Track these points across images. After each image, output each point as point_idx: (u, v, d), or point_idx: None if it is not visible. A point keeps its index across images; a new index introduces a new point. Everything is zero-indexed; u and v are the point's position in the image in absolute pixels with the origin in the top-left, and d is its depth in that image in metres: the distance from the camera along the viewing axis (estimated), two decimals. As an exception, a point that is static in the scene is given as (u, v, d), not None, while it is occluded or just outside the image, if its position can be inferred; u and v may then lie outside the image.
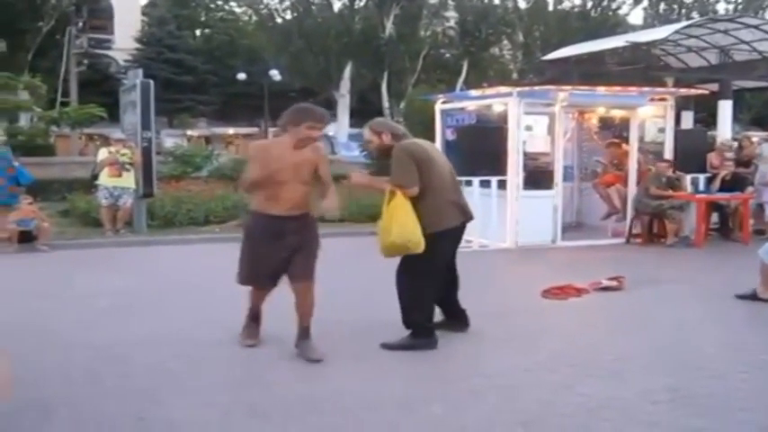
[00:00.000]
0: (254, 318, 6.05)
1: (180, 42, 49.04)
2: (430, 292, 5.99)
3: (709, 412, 4.58)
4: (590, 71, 25.03)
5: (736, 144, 14.13)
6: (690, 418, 4.48)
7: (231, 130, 48.09)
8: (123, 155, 12.73)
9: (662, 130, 12.68)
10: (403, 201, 5.68)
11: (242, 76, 41.99)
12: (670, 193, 11.82)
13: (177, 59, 47.08)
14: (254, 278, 5.76)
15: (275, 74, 38.16)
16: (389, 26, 37.15)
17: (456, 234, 6.08)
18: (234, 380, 5.17)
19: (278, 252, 5.55)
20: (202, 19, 58.31)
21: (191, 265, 10.51)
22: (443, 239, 5.89)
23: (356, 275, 8.71)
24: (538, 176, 11.83)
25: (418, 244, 5.64)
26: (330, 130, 40.65)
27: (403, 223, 5.65)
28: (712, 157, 12.96)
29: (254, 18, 45.35)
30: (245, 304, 6.01)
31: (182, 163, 20.43)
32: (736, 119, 34.04)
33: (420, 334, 5.96)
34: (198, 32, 57.11)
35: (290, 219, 5.53)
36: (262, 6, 41.34)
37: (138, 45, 48.84)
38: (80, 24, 38.95)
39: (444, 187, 5.94)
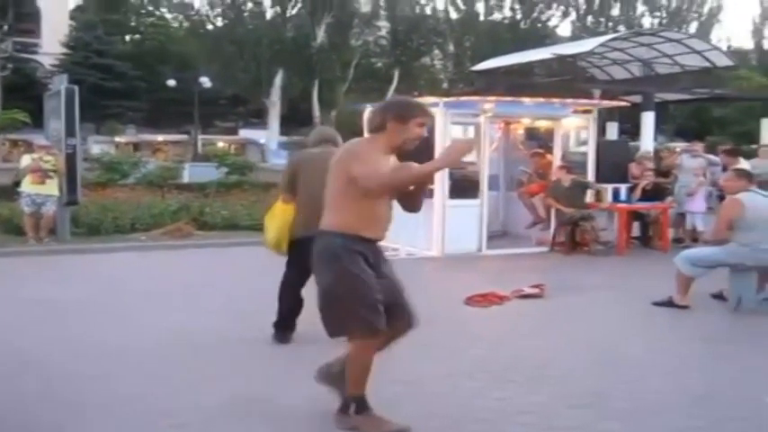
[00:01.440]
0: (366, 403, 4.42)
1: (109, 48, 48.30)
2: (283, 290, 6.42)
3: (626, 416, 4.71)
4: (519, 82, 25.41)
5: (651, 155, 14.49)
6: (606, 421, 4.61)
7: (160, 137, 47.49)
8: (47, 161, 12.52)
9: (584, 142, 12.95)
10: (279, 204, 6.38)
11: (172, 82, 41.54)
12: (555, 204, 12.11)
13: (106, 65, 46.35)
14: (374, 320, 4.23)
15: (205, 81, 37.87)
16: (321, 35, 37.20)
17: (301, 246, 5.94)
18: (155, 389, 5.15)
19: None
20: (132, 24, 57.52)
21: (115, 274, 10.36)
22: (292, 246, 6.28)
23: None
24: (464, 185, 11.96)
25: (269, 243, 6.38)
26: (261, 137, 40.53)
27: (270, 226, 6.38)
28: (633, 168, 13.27)
29: (185, 24, 44.94)
30: (351, 387, 4.41)
31: (108, 170, 20.18)
32: (660, 130, 34.85)
33: (275, 327, 6.39)
34: (127, 38, 56.30)
35: (379, 242, 4.43)
36: (193, 13, 41.02)
37: (65, 49, 47.97)
38: (5, 28, 38.06)
39: (304, 198, 6.17)
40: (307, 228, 6.17)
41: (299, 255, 6.27)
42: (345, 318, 4.24)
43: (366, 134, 4.54)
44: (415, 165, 4.30)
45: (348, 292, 4.19)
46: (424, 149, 12.18)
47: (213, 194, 17.40)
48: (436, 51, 44.92)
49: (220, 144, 43.80)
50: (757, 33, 49.30)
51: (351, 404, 4.41)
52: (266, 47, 36.19)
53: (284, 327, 6.40)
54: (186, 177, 22.47)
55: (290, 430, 4.50)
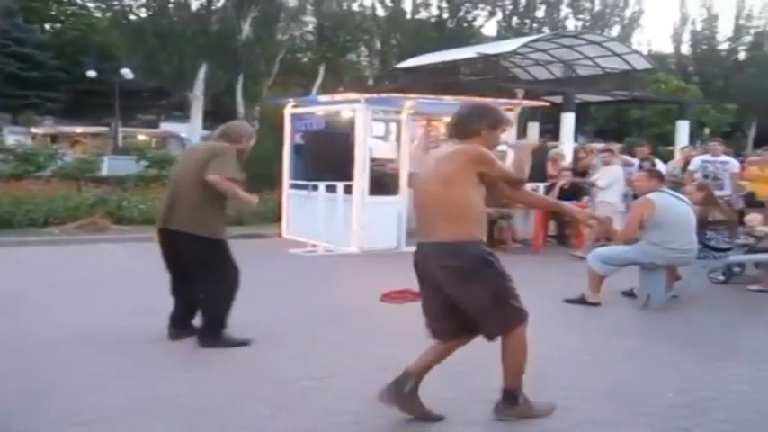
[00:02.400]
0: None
1: (28, 36, 46.94)
2: (170, 286, 6.35)
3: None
4: (443, 80, 25.61)
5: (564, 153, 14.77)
6: (510, 417, 4.64)
7: (79, 129, 46.37)
8: (-44, 152, 12.20)
9: (504, 142, 13.06)
10: None
11: (92, 73, 40.68)
12: None
13: (24, 54, 45.02)
14: (524, 307, 4.58)
15: (127, 72, 37.18)
16: (247, 28, 36.76)
17: (162, 237, 6.19)
18: (60, 387, 5.03)
19: None
20: (53, 13, 56.10)
21: (26, 268, 10.11)
22: (159, 237, 6.29)
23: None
24: (384, 182, 11.99)
25: None
26: (183, 131, 39.98)
27: None
28: (550, 167, 13.46)
29: (108, 14, 43.96)
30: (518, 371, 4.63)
31: (23, 161, 19.72)
32: (581, 131, 35.46)
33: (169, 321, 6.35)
34: (48, 26, 54.90)
35: None
36: (115, 3, 40.13)
37: (-19, 38, 46.55)
38: None
39: (168, 190, 6.34)
40: (163, 219, 6.13)
41: (162, 246, 6.21)
42: (511, 313, 4.47)
43: (456, 140, 4.58)
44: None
45: (506, 291, 4.46)
46: (344, 146, 12.20)
47: (132, 188, 17.10)
48: (362, 48, 44.87)
49: (141, 137, 43.12)
50: (676, 38, 50.48)
51: (518, 394, 4.58)
52: (190, 39, 35.56)
53: (174, 323, 6.28)
54: (105, 170, 22.06)
55: (196, 429, 4.42)
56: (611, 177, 12.07)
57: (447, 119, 12.98)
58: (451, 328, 4.63)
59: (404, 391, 4.61)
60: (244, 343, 6.05)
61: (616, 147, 14.28)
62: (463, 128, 4.55)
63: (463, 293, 4.44)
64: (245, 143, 6.25)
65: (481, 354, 6.00)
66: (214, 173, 5.84)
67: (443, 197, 4.36)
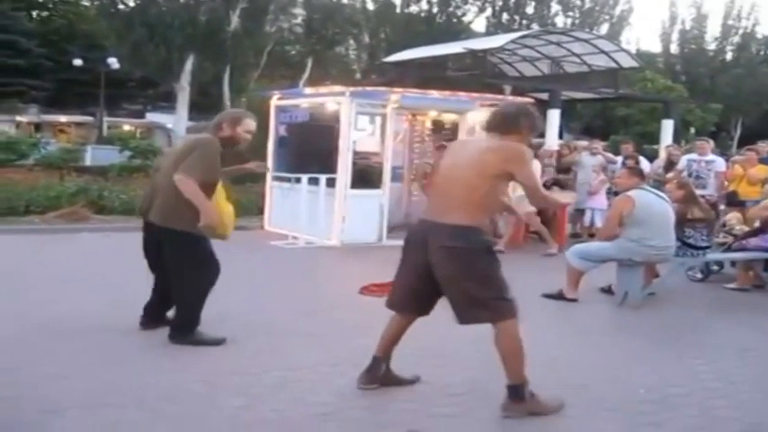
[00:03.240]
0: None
1: (13, 23, 46.64)
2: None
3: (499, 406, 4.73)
4: (431, 75, 25.62)
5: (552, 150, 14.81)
6: (483, 409, 4.68)
7: (63, 118, 46.08)
8: (-64, 138, 12.11)
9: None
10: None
11: (78, 62, 40.45)
12: None
13: (10, 41, 44.69)
14: (515, 302, 4.76)
15: (113, 62, 37.01)
16: (235, 20, 36.70)
17: (144, 228, 6.09)
18: (32, 373, 5.01)
19: None
20: (40, 0, 55.79)
21: (3, 257, 10.04)
22: None
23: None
24: (367, 176, 11.98)
25: None
26: (169, 122, 39.84)
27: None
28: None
29: (96, 2, 43.76)
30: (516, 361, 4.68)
31: (5, 150, 19.64)
32: (567, 128, 35.55)
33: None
34: (34, 14, 54.58)
35: None
36: (104, -9, 39.96)
37: (-34, 25, 46.19)
38: None
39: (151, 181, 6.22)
40: (143, 211, 6.02)
41: (143, 237, 6.09)
42: (503, 303, 4.61)
43: (494, 134, 4.74)
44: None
45: (503, 280, 4.62)
46: (328, 138, 12.16)
47: (114, 178, 17.05)
48: (351, 41, 44.97)
49: (126, 127, 42.96)
50: (665, 37, 50.63)
51: (521, 390, 4.61)
52: (178, 30, 35.46)
53: (146, 313, 6.19)
54: (88, 160, 22.01)
55: (168, 417, 4.41)
56: None
57: (432, 113, 13.12)
58: (413, 305, 4.93)
59: (379, 374, 4.98)
60: (216, 343, 5.84)
61: (599, 144, 14.30)
62: (506, 124, 4.70)
63: (461, 275, 4.55)
64: (229, 130, 5.83)
65: (455, 346, 6.07)
66: (180, 172, 5.54)
67: (477, 186, 4.52)
